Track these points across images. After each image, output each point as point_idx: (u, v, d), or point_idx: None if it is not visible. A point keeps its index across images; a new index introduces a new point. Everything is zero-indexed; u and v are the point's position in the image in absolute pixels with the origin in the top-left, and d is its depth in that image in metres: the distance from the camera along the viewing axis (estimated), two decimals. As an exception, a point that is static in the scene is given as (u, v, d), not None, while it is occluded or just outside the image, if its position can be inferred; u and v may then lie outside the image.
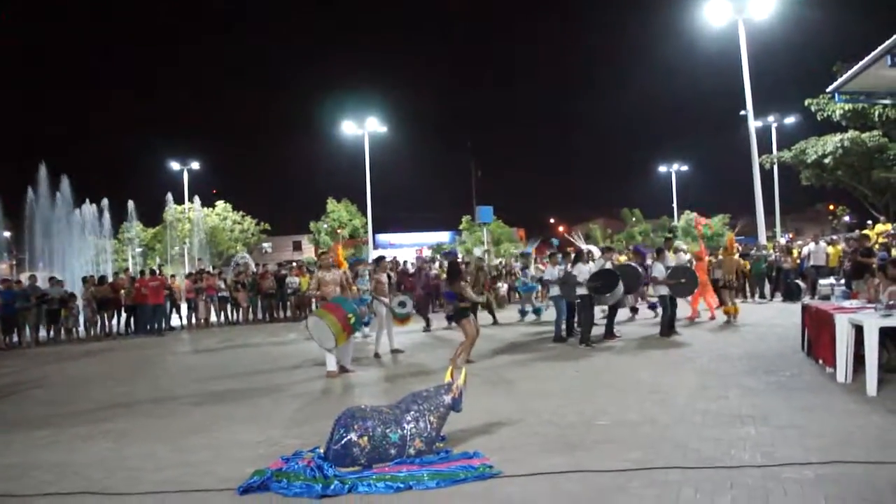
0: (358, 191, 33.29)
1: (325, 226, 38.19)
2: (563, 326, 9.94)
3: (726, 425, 4.61)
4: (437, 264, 17.99)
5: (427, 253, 34.23)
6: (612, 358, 7.93)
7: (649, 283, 10.18)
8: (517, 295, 15.18)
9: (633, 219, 39.70)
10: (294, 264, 18.74)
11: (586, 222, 49.19)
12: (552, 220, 56.41)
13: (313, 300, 8.05)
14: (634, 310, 12.28)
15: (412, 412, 3.92)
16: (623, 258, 11.72)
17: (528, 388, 6.32)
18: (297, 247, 50.01)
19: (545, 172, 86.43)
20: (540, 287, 14.30)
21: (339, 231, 38.24)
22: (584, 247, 13.53)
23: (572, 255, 10.76)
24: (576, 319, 10.23)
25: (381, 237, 47.88)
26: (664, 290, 9.65)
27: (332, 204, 38.16)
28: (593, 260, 10.44)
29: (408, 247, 41.72)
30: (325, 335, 7.13)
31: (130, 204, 27.36)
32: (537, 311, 13.19)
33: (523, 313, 13.37)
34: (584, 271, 9.34)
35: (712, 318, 11.60)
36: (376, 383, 7.02)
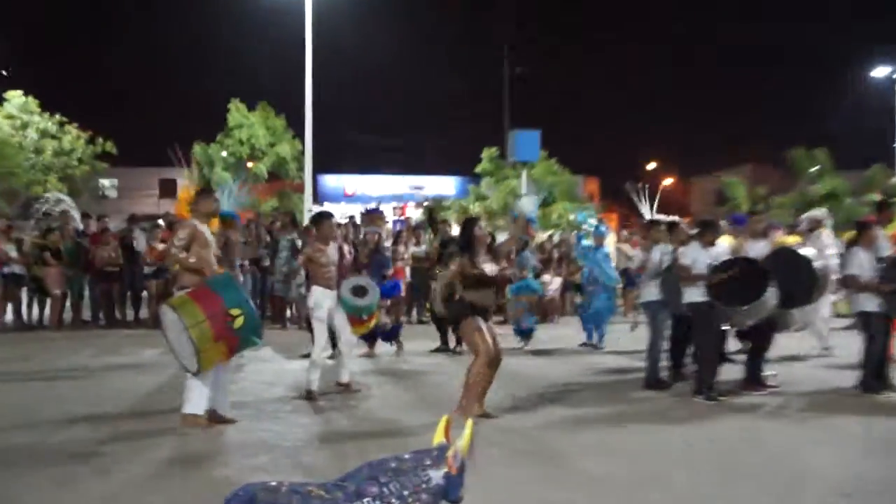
0: (289, 95, 32.93)
1: (224, 153, 38.10)
2: (664, 360, 10.17)
3: None
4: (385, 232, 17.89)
5: (416, 215, 34.32)
6: (758, 425, 8.09)
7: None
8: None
9: (814, 168, 39.55)
10: (160, 222, 18.47)
11: (716, 172, 49.16)
12: (651, 166, 56.62)
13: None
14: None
15: (369, 498, 3.81)
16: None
17: (589, 468, 6.47)
18: (168, 190, 49.90)
19: (641, 84, 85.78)
20: (629, 285, 14.32)
21: (249, 164, 38.16)
22: (648, 214, 13.68)
23: (684, 229, 10.80)
24: (690, 350, 10.30)
25: (330, 180, 48.10)
26: (872, 304, 9.64)
27: (237, 112, 37.75)
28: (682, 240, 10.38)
29: (378, 200, 41.87)
30: (183, 345, 7.19)
31: None
32: (524, 333, 13.71)
33: (524, 333, 13.76)
34: (700, 258, 9.36)
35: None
36: (305, 444, 7.20)
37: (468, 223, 8.39)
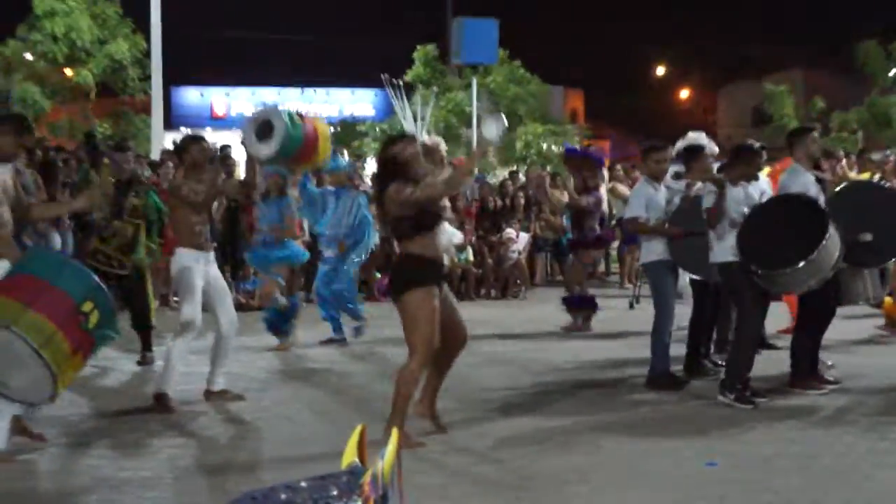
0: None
1: (29, 55, 37.37)
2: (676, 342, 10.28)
3: None
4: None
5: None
6: (810, 436, 8.22)
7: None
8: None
9: (894, 69, 39.87)
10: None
11: (753, 80, 49.31)
12: (658, 72, 56.42)
13: None
14: None
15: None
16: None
17: (573, 501, 6.57)
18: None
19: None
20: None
21: (68, 72, 37.58)
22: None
23: (708, 157, 10.92)
24: (715, 332, 10.64)
25: (190, 96, 47.32)
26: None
27: (48, -6, 37.26)
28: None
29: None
30: (28, 372, 7.04)
31: None
32: (278, 324, 12.98)
33: (278, 325, 13.12)
34: (734, 198, 9.41)
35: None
36: (154, 476, 7.20)
37: (388, 145, 8.28)
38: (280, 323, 12.92)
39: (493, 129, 8.47)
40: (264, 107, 9.85)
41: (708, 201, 9.54)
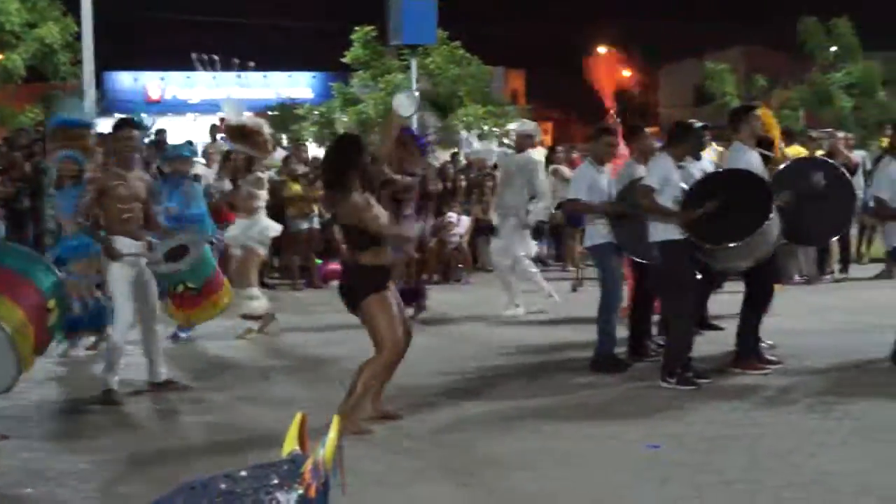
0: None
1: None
2: (619, 327, 10.29)
3: None
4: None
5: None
6: (751, 417, 8.30)
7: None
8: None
9: (834, 47, 40.09)
10: None
11: (694, 58, 49.45)
12: (598, 50, 56.68)
13: None
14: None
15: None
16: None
17: (520, 484, 6.61)
18: None
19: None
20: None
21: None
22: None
23: (649, 138, 11.03)
24: (657, 314, 10.61)
25: (123, 80, 46.86)
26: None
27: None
28: None
29: (194, 110, 41.17)
30: None
31: None
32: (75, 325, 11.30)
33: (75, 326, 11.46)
34: (673, 179, 9.42)
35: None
36: (96, 468, 7.18)
37: (346, 145, 8.26)
38: (74, 325, 10.95)
39: (405, 104, 8.57)
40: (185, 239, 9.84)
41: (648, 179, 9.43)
